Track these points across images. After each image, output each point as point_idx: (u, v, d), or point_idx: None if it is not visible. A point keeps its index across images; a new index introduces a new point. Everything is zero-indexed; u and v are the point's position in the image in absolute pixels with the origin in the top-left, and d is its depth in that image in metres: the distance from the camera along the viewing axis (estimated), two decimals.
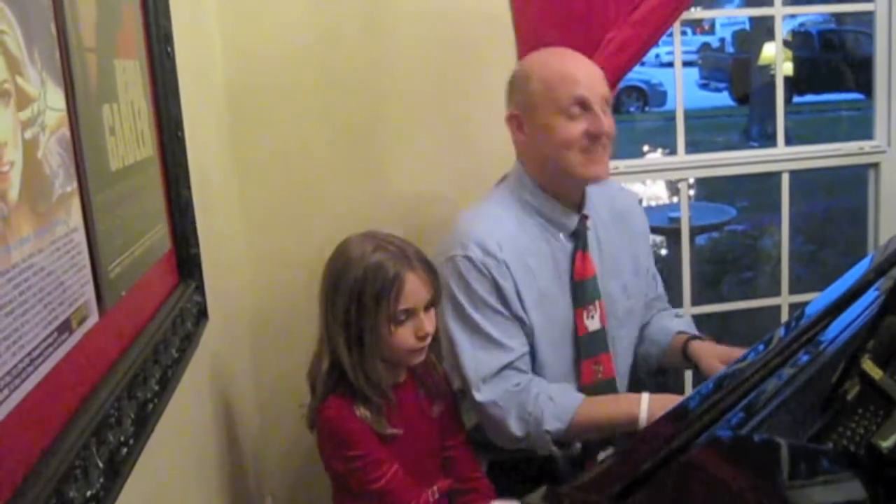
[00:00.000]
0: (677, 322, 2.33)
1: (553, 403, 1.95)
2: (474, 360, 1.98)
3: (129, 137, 1.31)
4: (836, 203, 8.44)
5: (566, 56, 2.05)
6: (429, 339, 1.81)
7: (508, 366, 1.98)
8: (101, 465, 1.02)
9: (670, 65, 2.99)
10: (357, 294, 1.73)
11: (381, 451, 1.77)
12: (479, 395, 1.97)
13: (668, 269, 5.82)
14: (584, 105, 1.98)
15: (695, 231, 5.90)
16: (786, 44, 13.79)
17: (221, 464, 1.96)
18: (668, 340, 2.23)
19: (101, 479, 1.01)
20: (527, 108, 2.06)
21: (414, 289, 1.76)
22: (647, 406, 1.88)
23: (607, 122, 2.00)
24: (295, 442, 2.57)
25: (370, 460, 1.75)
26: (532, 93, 2.04)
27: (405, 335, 1.76)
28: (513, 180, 2.14)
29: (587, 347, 2.10)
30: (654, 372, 2.29)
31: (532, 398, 1.95)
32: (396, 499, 1.77)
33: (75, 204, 1.04)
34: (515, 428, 1.95)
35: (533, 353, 2.05)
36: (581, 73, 2.00)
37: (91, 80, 1.14)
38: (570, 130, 1.99)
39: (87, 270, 1.07)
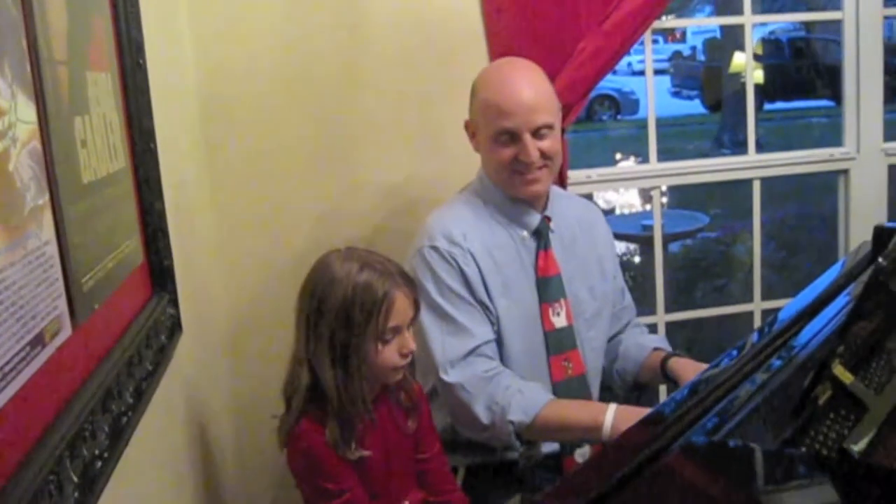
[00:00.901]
0: (652, 338, 2.38)
1: (522, 396, 1.99)
2: (442, 344, 2.03)
3: (101, 150, 1.31)
4: (807, 209, 8.52)
5: (507, 80, 2.08)
6: (411, 357, 1.81)
7: (475, 351, 2.03)
8: (75, 479, 1.01)
9: (642, 73, 3.01)
10: (345, 314, 1.71)
11: (357, 489, 1.76)
12: (448, 377, 2.02)
13: (641, 276, 5.86)
14: (512, 136, 2.04)
15: (667, 238, 5.94)
16: (756, 54, 13.90)
17: (197, 477, 1.95)
18: (644, 356, 2.27)
19: (76, 494, 1.00)
20: (474, 121, 2.16)
21: (401, 306, 1.76)
22: (612, 415, 1.90)
23: (540, 148, 2.05)
24: (272, 454, 2.54)
25: (344, 500, 1.74)
26: (475, 110, 2.14)
27: (390, 353, 1.76)
28: (476, 180, 2.22)
29: (555, 344, 2.15)
30: (630, 388, 2.32)
31: (502, 389, 1.99)
32: None
33: (47, 217, 1.04)
34: (482, 415, 1.99)
35: (502, 345, 2.10)
36: (513, 103, 2.03)
37: (62, 93, 1.13)
38: (499, 155, 2.08)
39: (60, 284, 1.06)
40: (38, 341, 0.96)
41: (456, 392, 2.01)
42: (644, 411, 1.88)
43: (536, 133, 2.04)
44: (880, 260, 1.30)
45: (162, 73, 1.84)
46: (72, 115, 1.17)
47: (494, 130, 2.05)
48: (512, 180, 2.10)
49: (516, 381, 2.03)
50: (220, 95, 2.46)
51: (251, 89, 2.48)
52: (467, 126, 2.18)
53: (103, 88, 1.37)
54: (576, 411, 2.00)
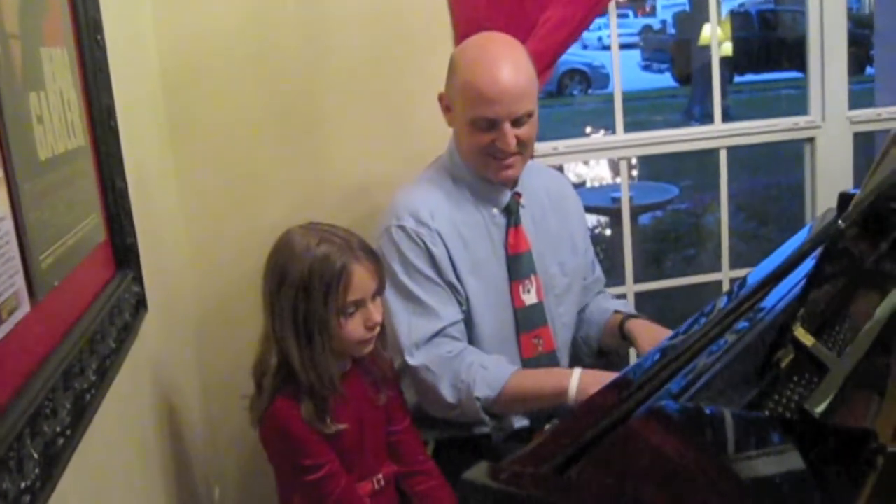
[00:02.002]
0: (614, 302, 2.39)
1: (486, 371, 1.99)
2: (408, 325, 2.02)
3: (58, 127, 1.29)
4: (776, 180, 8.57)
5: (492, 64, 2.01)
6: (377, 329, 1.81)
7: (441, 332, 2.02)
8: (35, 455, 1.00)
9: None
10: (304, 289, 1.71)
11: (334, 462, 1.77)
12: (412, 360, 2.01)
13: (611, 247, 5.89)
14: (491, 123, 2.01)
15: (637, 210, 5.97)
16: (725, 24, 13.93)
17: (165, 455, 1.95)
18: (605, 319, 2.29)
19: (37, 470, 1.00)
20: (450, 98, 2.11)
21: (361, 280, 1.75)
22: (577, 380, 1.91)
23: (518, 135, 2.02)
24: (243, 432, 2.54)
25: (322, 475, 1.75)
26: (454, 89, 2.08)
27: (355, 327, 1.76)
28: (446, 156, 2.20)
29: (525, 321, 2.15)
30: (595, 354, 2.33)
31: (466, 366, 1.99)
32: None
33: (2, 194, 1.02)
34: (447, 394, 1.99)
35: (472, 324, 2.09)
36: (497, 91, 1.98)
37: (16, 68, 1.12)
38: (475, 140, 2.05)
39: (17, 261, 1.05)
40: None
41: (420, 374, 2.01)
42: (609, 375, 1.89)
43: (516, 121, 2.02)
44: (840, 223, 1.31)
45: (122, 50, 1.82)
46: (26, 91, 1.16)
47: (474, 116, 2.02)
48: (486, 164, 2.08)
49: (480, 357, 2.03)
50: (183, 72, 2.44)
51: (214, 65, 2.46)
52: (441, 99, 2.14)
53: (60, 64, 1.35)
54: (541, 379, 2.01)
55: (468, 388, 1.97)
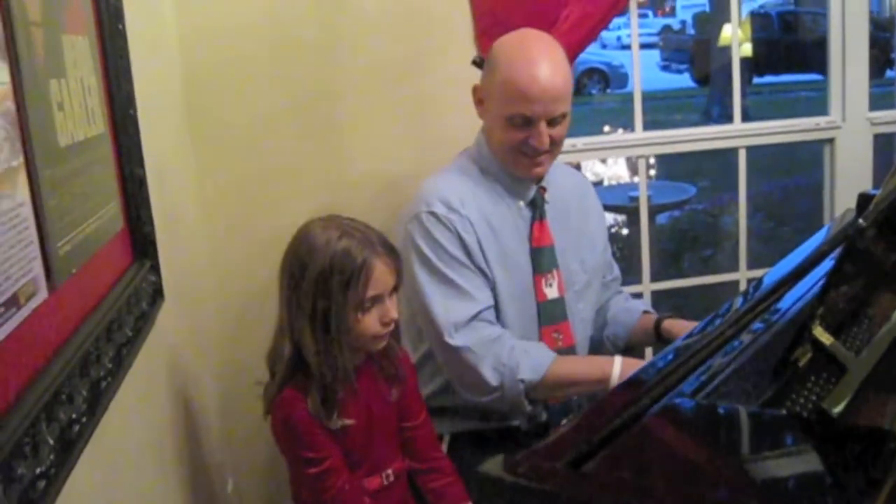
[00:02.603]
0: (638, 303, 2.43)
1: (528, 356, 2.01)
2: (445, 308, 2.03)
3: (78, 114, 1.29)
4: (795, 182, 8.54)
5: (533, 63, 2.02)
6: (392, 325, 1.80)
7: (478, 316, 2.03)
8: (51, 441, 1.01)
9: (631, 47, 3.02)
10: (324, 282, 1.71)
11: (336, 457, 1.77)
12: (453, 341, 2.01)
13: (628, 246, 5.87)
14: (527, 120, 2.02)
15: (655, 209, 5.95)
16: (745, 25, 13.87)
17: (180, 445, 1.95)
18: (635, 319, 2.32)
19: (52, 456, 1.00)
20: (486, 92, 2.11)
21: (381, 275, 1.74)
22: (619, 367, 1.95)
23: (551, 135, 2.04)
24: (257, 423, 2.54)
25: (323, 469, 1.75)
26: (492, 84, 2.09)
27: (371, 322, 1.75)
28: (474, 148, 2.21)
29: (547, 315, 2.16)
30: (620, 352, 2.33)
31: (507, 350, 2.01)
32: None
33: (22, 179, 1.03)
34: (490, 376, 2.00)
35: (497, 313, 2.10)
36: (538, 90, 2.00)
37: (37, 55, 1.12)
38: (508, 136, 2.06)
39: (35, 246, 1.05)
40: (13, 303, 0.96)
41: (462, 355, 2.02)
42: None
43: (552, 121, 2.03)
44: (860, 221, 1.30)
45: (142, 39, 1.82)
46: (47, 78, 1.16)
47: (511, 113, 2.03)
48: (517, 161, 2.09)
49: (520, 342, 2.05)
50: (204, 61, 2.44)
51: (235, 58, 2.46)
52: (475, 91, 2.15)
53: (81, 52, 1.35)
54: (583, 366, 2.06)
55: (512, 372, 1.99)
